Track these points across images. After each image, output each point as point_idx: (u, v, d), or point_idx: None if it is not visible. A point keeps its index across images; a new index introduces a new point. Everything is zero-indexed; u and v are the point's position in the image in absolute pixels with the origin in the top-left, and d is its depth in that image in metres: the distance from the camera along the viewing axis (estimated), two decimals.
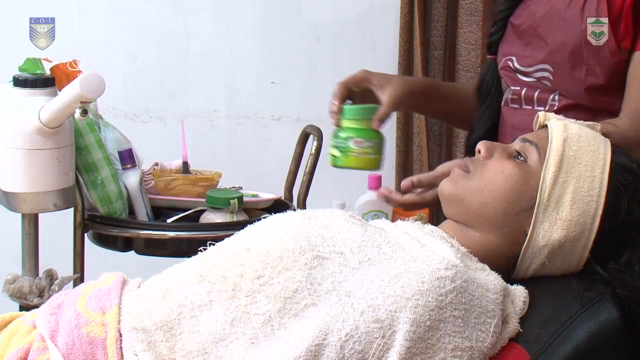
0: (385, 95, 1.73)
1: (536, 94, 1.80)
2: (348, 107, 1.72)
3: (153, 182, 2.10)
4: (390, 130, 2.91)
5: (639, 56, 1.70)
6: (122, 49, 2.94)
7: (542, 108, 1.78)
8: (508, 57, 1.85)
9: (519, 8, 1.86)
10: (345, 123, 1.69)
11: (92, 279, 1.41)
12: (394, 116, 2.94)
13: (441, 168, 1.61)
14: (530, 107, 1.81)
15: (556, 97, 1.77)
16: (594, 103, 1.73)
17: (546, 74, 1.78)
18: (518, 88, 1.83)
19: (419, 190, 1.60)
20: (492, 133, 1.88)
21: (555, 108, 1.76)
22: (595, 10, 1.71)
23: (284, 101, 3.01)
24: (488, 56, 1.93)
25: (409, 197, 1.61)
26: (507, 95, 1.86)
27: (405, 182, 1.61)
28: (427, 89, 1.90)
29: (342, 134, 1.68)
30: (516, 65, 1.82)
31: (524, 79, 1.82)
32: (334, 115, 1.70)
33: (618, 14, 1.70)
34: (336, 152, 1.68)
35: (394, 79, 1.80)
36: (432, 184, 1.60)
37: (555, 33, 1.76)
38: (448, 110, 1.98)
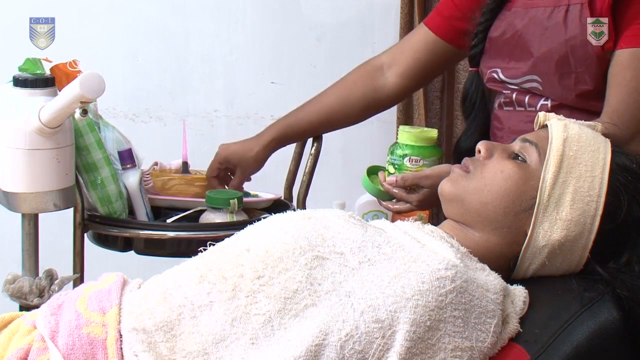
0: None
1: (527, 98, 1.80)
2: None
3: (153, 182, 2.10)
4: (388, 132, 2.91)
5: (618, 55, 1.70)
6: (122, 49, 2.95)
7: (533, 109, 1.79)
8: (492, 70, 1.84)
9: (497, 20, 1.85)
10: (403, 139, 1.71)
11: (92, 279, 1.41)
12: (393, 118, 2.95)
13: (427, 170, 1.63)
14: (523, 109, 1.81)
15: (548, 99, 1.78)
16: (586, 106, 1.74)
17: (535, 84, 1.78)
18: (509, 92, 1.83)
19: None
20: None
21: (548, 107, 1.77)
22: (579, 19, 1.71)
23: (284, 101, 3.00)
24: (470, 69, 1.93)
25: (398, 206, 1.71)
26: (500, 99, 1.86)
27: (390, 179, 1.68)
28: (282, 136, 2.09)
29: (399, 151, 1.70)
30: (502, 77, 1.82)
31: (513, 87, 1.82)
32: None
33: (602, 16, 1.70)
34: (391, 169, 1.70)
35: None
36: (417, 185, 1.63)
37: (538, 44, 1.76)
38: (321, 129, 2.15)
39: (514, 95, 1.82)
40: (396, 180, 1.67)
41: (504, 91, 1.84)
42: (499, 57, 1.83)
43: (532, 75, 1.77)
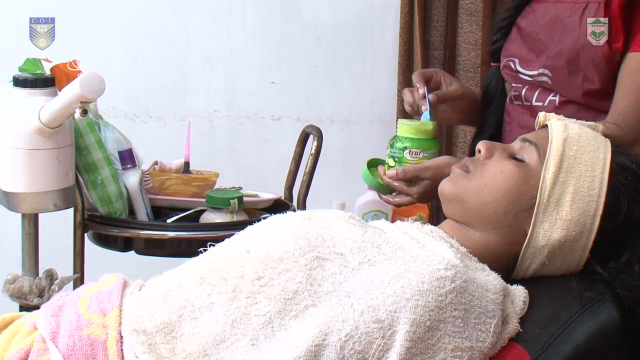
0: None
1: (536, 93, 1.81)
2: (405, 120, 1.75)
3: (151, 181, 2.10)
4: (388, 131, 2.91)
5: (630, 58, 1.70)
6: (122, 49, 2.95)
7: (541, 104, 1.79)
8: (510, 58, 1.85)
9: (524, 11, 1.86)
10: (402, 132, 1.71)
11: (92, 279, 1.41)
12: (393, 118, 2.95)
13: (427, 162, 1.64)
14: (529, 104, 1.82)
15: (557, 95, 1.78)
16: (592, 105, 1.74)
17: (545, 78, 1.78)
18: (520, 86, 1.83)
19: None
20: (497, 137, 1.89)
21: (556, 104, 1.77)
22: (594, 15, 1.71)
23: (284, 101, 3.01)
24: (492, 64, 1.93)
25: (399, 199, 1.69)
26: (510, 93, 1.87)
27: (390, 172, 1.68)
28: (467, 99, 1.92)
29: (399, 144, 1.70)
30: (518, 67, 1.83)
31: (525, 78, 1.82)
32: (423, 102, 1.76)
33: (612, 17, 1.70)
34: (391, 162, 1.71)
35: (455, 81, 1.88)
36: (417, 177, 1.64)
37: (556, 40, 1.77)
38: (471, 120, 2.02)
39: (523, 91, 1.83)
40: (397, 173, 1.67)
41: (513, 84, 1.85)
42: (520, 46, 1.84)
43: (544, 69, 1.78)
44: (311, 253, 1.28)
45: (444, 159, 1.64)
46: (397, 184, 1.68)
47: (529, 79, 1.81)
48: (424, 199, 1.68)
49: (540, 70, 1.79)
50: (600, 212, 1.34)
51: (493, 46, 1.92)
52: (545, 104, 1.78)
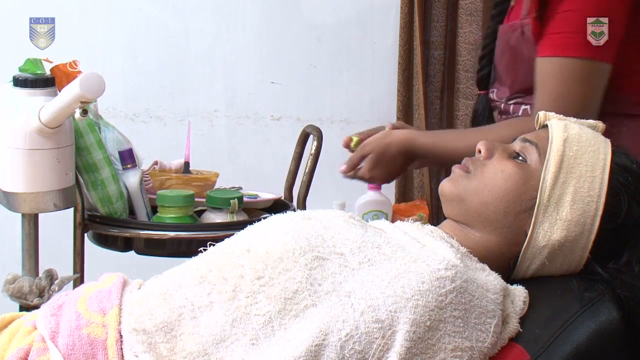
0: None
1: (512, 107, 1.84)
2: None
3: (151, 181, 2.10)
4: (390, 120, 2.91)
5: (538, 62, 1.72)
6: (122, 49, 2.95)
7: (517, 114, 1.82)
8: (491, 89, 1.89)
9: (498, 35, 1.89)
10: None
11: (92, 279, 1.41)
12: (393, 119, 2.95)
13: (369, 138, 1.74)
14: (506, 116, 1.85)
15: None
16: None
17: (520, 99, 1.81)
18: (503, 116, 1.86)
19: None
20: None
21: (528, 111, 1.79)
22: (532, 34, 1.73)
23: (284, 101, 3.01)
24: (479, 92, 1.95)
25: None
26: (495, 113, 1.90)
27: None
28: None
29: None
30: (494, 97, 1.87)
31: (503, 105, 1.85)
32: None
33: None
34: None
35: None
36: (362, 155, 1.87)
37: (513, 71, 1.81)
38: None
39: (502, 106, 1.85)
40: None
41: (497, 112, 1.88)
42: (495, 74, 1.87)
43: (515, 95, 1.81)
44: (311, 253, 1.28)
45: (380, 132, 1.75)
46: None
47: (506, 103, 1.84)
48: (379, 176, 1.82)
49: (512, 96, 1.82)
50: (600, 212, 1.34)
51: (478, 75, 1.94)
52: (520, 113, 1.81)
